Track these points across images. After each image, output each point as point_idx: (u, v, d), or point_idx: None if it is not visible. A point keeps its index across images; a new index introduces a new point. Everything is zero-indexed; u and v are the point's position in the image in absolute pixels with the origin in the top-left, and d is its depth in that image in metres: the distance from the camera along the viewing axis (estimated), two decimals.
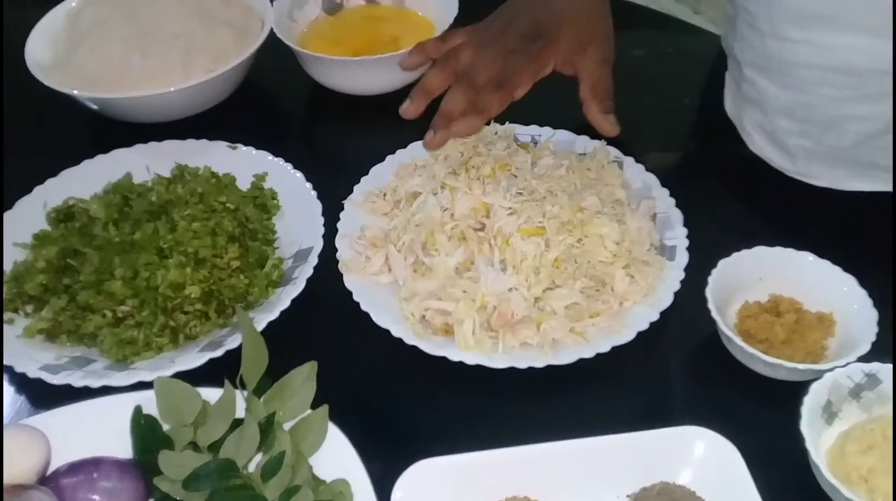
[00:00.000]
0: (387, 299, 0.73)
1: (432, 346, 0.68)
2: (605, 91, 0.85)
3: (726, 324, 0.67)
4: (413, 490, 0.59)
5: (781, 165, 0.83)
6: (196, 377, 0.65)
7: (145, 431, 0.63)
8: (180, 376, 0.65)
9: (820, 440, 0.62)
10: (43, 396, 0.67)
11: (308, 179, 0.81)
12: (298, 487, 0.58)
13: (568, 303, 0.69)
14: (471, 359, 0.67)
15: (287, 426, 0.63)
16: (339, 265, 0.75)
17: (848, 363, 0.63)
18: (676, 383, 0.71)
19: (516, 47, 0.83)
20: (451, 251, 0.72)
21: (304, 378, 0.64)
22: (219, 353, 0.68)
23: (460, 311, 0.69)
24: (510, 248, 0.71)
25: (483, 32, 0.86)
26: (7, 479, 0.57)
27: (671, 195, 0.78)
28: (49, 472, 0.60)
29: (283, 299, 0.72)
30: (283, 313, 0.71)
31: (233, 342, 0.69)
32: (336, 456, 0.62)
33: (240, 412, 0.63)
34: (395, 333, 0.69)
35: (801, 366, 0.64)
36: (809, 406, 0.61)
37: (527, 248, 0.70)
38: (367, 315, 0.71)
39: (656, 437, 0.61)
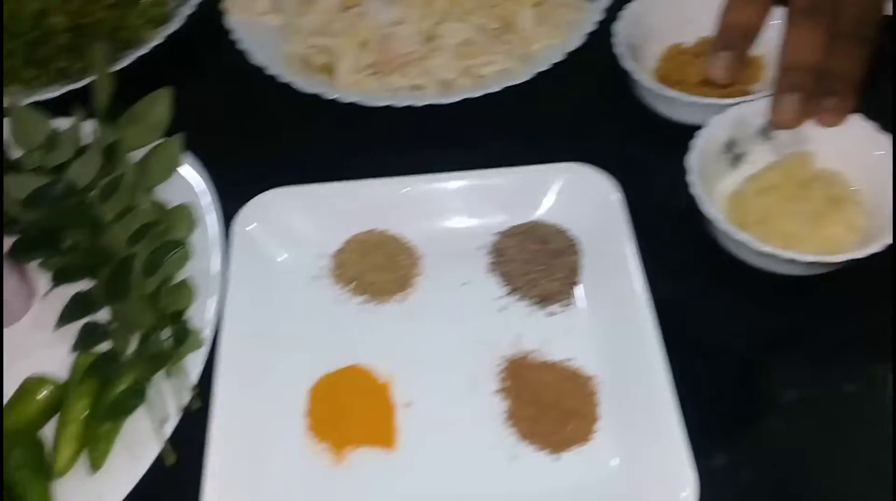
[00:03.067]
0: (271, 40, 0.66)
1: (308, 84, 0.62)
2: None
3: (643, 68, 0.59)
4: (260, 218, 0.55)
5: None
6: (57, 110, 0.60)
7: None
8: (44, 106, 0.60)
9: (721, 184, 0.55)
10: None
11: None
12: (135, 208, 0.55)
13: (461, 40, 0.62)
14: (350, 97, 0.61)
15: (140, 153, 0.58)
16: (224, 2, 0.68)
17: (757, 99, 0.55)
18: (570, 124, 0.63)
19: None
20: None
21: (157, 104, 0.59)
22: (79, 84, 0.63)
23: (340, 46, 0.62)
24: None
25: None
26: None
27: None
28: None
29: (159, 36, 0.66)
30: (156, 49, 0.65)
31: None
32: (185, 185, 0.58)
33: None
34: (271, 70, 0.63)
35: (702, 100, 0.56)
36: (705, 140, 0.54)
37: None
38: (242, 57, 0.65)
39: (532, 172, 0.55)
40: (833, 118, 0.53)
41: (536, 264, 0.52)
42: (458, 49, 0.62)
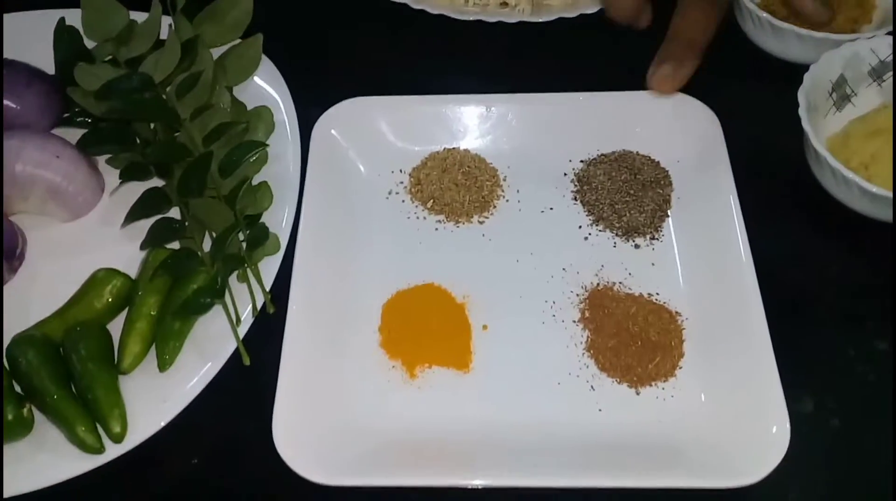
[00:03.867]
0: None
1: None
2: None
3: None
4: (340, 126, 0.53)
5: None
6: (132, 2, 0.58)
7: (67, 43, 0.57)
8: None
9: (824, 123, 0.52)
10: None
11: None
12: (213, 106, 0.53)
13: None
14: (434, 9, 0.58)
15: (218, 52, 0.56)
16: None
17: (875, 36, 0.52)
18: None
19: None
20: None
21: (238, 3, 0.57)
22: None
23: None
24: None
25: None
26: None
27: None
28: None
29: None
30: None
31: None
32: (264, 88, 0.56)
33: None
34: None
35: (816, 34, 0.52)
36: (814, 77, 0.50)
37: None
38: None
39: (625, 98, 0.53)
40: (665, 85, 0.50)
41: (624, 194, 0.50)
42: None
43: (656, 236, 0.49)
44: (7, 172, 0.49)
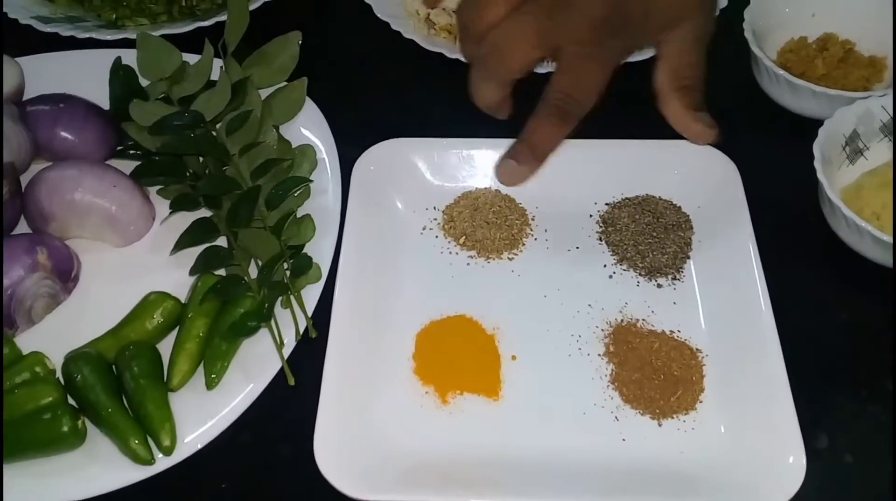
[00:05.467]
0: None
1: (430, 42, 0.63)
2: (691, 77, 0.53)
3: (767, 56, 0.59)
4: (379, 165, 0.56)
5: None
6: (183, 45, 0.62)
7: (122, 80, 0.61)
8: (167, 39, 0.62)
9: (838, 175, 0.55)
10: (30, 45, 0.65)
11: None
12: (260, 143, 0.56)
13: None
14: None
15: (264, 94, 0.60)
16: None
17: (886, 94, 0.55)
18: None
19: (587, 48, 0.50)
20: None
21: (285, 47, 0.61)
22: (208, 22, 0.65)
23: None
24: None
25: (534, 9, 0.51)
26: None
27: None
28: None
29: None
30: None
31: (224, 17, 0.65)
32: (308, 127, 0.59)
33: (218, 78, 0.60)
34: (395, 26, 0.64)
35: (831, 91, 0.56)
36: (829, 131, 0.53)
37: None
38: (369, 9, 0.66)
39: (649, 146, 0.56)
40: (510, 180, 0.54)
41: (647, 236, 0.53)
42: None
43: (678, 277, 0.52)
44: (67, 199, 0.52)
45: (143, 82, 0.61)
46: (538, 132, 0.51)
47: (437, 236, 0.55)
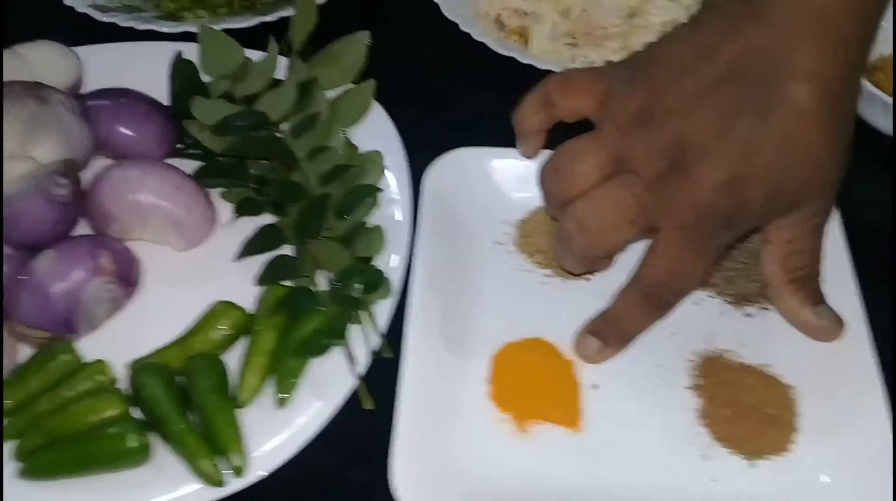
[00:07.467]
0: None
1: (501, 45, 0.61)
2: (806, 266, 0.47)
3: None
4: (450, 174, 0.54)
5: None
6: (245, 41, 0.60)
7: (183, 76, 0.59)
8: (227, 34, 0.60)
9: None
10: (86, 33, 0.63)
11: None
12: (329, 148, 0.54)
13: (667, 19, 0.60)
14: (543, 64, 0.60)
15: (330, 95, 0.58)
16: None
17: None
18: None
19: (691, 234, 0.43)
20: None
21: (353, 48, 0.58)
22: (271, 17, 0.63)
23: (541, 9, 0.61)
24: None
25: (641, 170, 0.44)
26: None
27: None
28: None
29: None
30: None
31: (288, 11, 0.63)
32: (375, 132, 0.57)
33: (281, 77, 0.58)
34: (464, 27, 0.62)
35: None
36: None
37: None
38: (436, 9, 0.64)
39: None
40: (590, 360, 0.48)
41: (735, 261, 0.50)
42: (662, 28, 0.60)
43: (767, 306, 0.49)
44: (129, 200, 0.50)
45: (205, 78, 0.59)
46: (628, 316, 0.46)
47: (509, 252, 0.53)
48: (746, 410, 0.45)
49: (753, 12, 0.43)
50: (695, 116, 0.42)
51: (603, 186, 0.44)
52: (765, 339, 0.48)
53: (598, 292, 0.50)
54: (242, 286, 0.50)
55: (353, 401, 0.45)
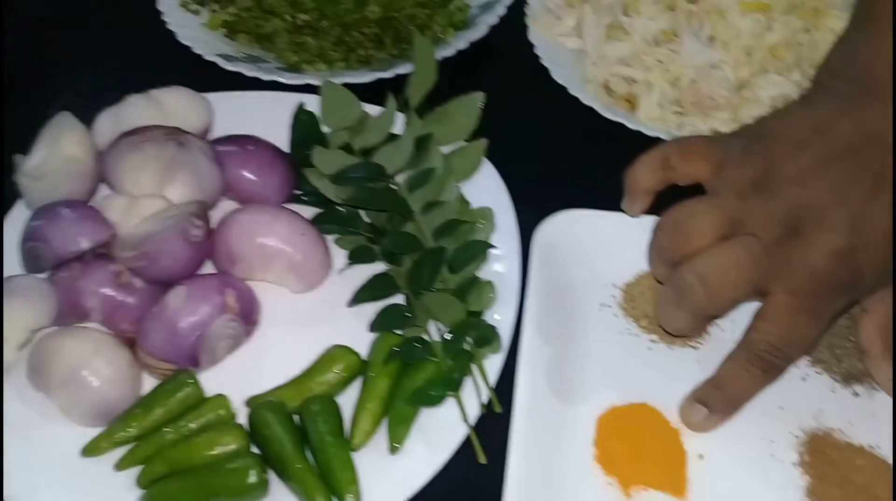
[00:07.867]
0: (568, 62, 0.67)
1: (610, 111, 0.62)
2: None
3: None
4: (559, 234, 0.55)
5: None
6: (362, 95, 0.63)
7: (304, 126, 0.62)
8: (347, 87, 0.63)
9: None
10: (212, 82, 0.67)
11: None
12: (443, 202, 0.56)
13: (776, 94, 0.61)
14: (650, 131, 0.61)
15: (443, 151, 0.60)
16: (527, 18, 0.69)
17: None
18: None
19: (803, 300, 0.44)
20: (655, 16, 0.64)
21: (467, 107, 0.61)
22: (388, 73, 0.66)
23: (651, 77, 0.62)
24: (724, 22, 0.62)
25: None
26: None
27: None
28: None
29: (462, 40, 0.68)
30: (459, 53, 0.68)
31: (404, 69, 0.66)
32: (485, 189, 0.59)
33: (397, 132, 0.61)
34: (572, 91, 0.64)
35: None
36: None
37: (744, 24, 0.62)
38: (545, 73, 0.66)
39: None
40: (697, 428, 0.48)
41: (844, 339, 0.50)
42: (771, 102, 0.61)
43: (876, 386, 0.49)
44: (257, 243, 0.53)
45: (324, 129, 0.62)
46: (736, 382, 0.46)
47: (615, 315, 0.53)
48: (857, 492, 0.44)
49: (865, 92, 0.45)
50: (813, 185, 0.44)
51: (724, 245, 0.45)
52: (872, 420, 0.48)
53: (704, 359, 0.51)
54: (354, 331, 0.52)
55: (460, 453, 0.46)
